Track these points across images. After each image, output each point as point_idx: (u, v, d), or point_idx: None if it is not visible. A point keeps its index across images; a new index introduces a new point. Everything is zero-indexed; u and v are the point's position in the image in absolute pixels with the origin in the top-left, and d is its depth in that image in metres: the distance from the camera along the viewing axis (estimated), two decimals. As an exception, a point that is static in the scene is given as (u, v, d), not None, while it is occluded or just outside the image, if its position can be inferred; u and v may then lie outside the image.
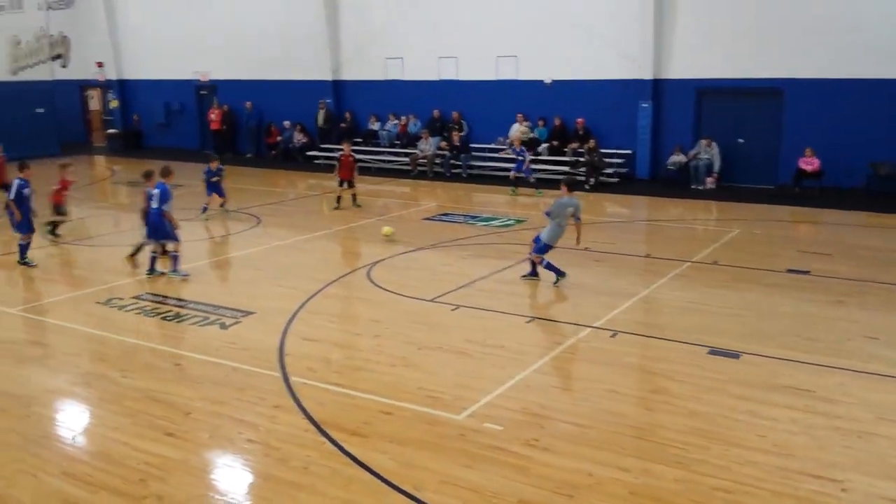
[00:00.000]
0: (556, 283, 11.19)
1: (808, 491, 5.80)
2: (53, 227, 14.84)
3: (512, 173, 19.86)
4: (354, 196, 17.95)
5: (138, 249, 12.56)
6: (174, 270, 11.90)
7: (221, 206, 17.21)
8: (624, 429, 6.87)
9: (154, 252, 12.04)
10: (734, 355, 8.49)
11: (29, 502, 5.73)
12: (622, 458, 6.30)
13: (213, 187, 17.14)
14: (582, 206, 11.64)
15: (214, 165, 17.17)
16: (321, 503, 5.69)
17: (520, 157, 19.56)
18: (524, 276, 11.63)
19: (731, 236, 14.62)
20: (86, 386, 7.94)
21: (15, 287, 11.67)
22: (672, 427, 6.84)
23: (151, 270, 11.96)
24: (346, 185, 17.79)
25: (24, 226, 12.57)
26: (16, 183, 12.55)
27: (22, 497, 5.80)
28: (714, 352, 8.60)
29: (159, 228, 11.82)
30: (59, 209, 14.90)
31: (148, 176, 12.30)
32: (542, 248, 11.32)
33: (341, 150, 18.44)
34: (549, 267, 11.25)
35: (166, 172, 12.02)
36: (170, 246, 12.10)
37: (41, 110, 28.01)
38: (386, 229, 14.43)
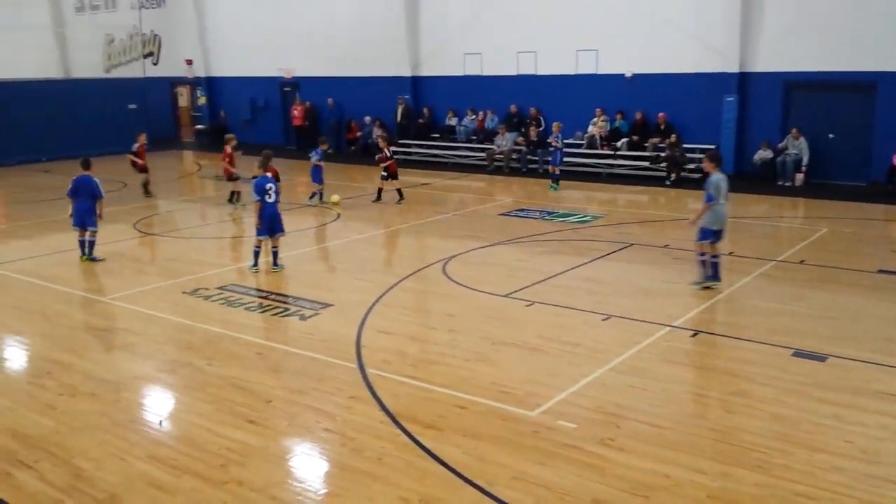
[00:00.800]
0: (699, 284, 10.63)
1: (895, 500, 5.58)
2: (232, 196, 16.80)
3: (552, 167, 19.75)
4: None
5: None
6: (276, 264, 12.10)
7: (313, 195, 17.79)
8: (703, 431, 6.72)
9: (257, 247, 12.09)
10: (820, 358, 8.20)
11: (116, 484, 5.98)
12: (700, 461, 6.17)
13: (317, 172, 17.60)
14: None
15: (325, 147, 17.90)
16: (395, 494, 5.75)
17: (556, 148, 19.56)
18: (697, 283, 10.80)
19: (819, 235, 14.10)
20: (172, 373, 8.24)
21: (107, 276, 12.18)
22: (753, 430, 6.66)
23: (255, 265, 12.07)
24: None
25: (94, 221, 12.76)
26: (94, 180, 12.73)
27: (110, 479, 6.06)
28: (799, 354, 8.32)
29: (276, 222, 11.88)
30: (230, 177, 16.82)
31: (265, 161, 12.16)
32: (705, 233, 10.64)
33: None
34: (713, 265, 10.66)
35: (265, 161, 12.08)
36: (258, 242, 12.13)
37: (133, 106, 29.10)
38: (334, 197, 16.54)
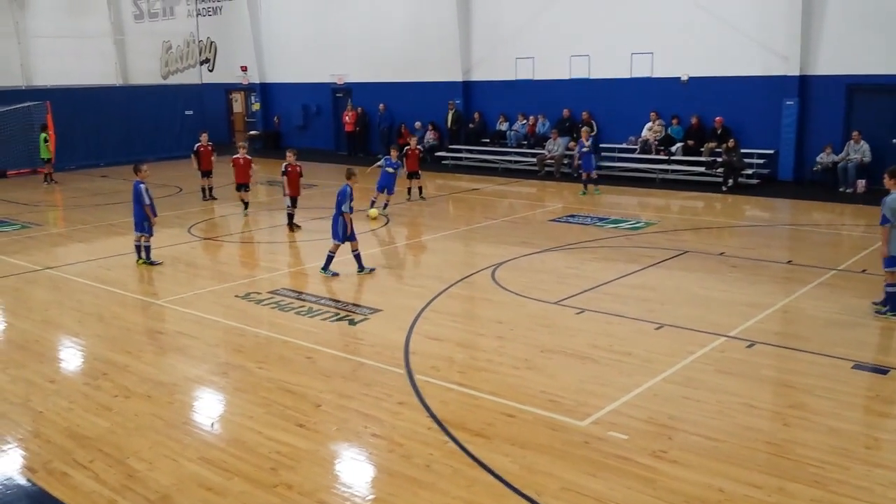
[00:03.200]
0: (883, 312, 9.64)
1: (965, 522, 5.34)
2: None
3: (585, 172, 19.51)
4: (291, 217, 15.93)
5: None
6: (361, 268, 12.20)
7: (385, 205, 17.17)
8: (758, 444, 6.53)
9: (331, 252, 12.16)
10: (882, 371, 7.92)
11: (168, 485, 6.07)
12: (755, 475, 6.00)
13: (386, 181, 16.88)
14: None
15: (395, 155, 17.34)
16: (442, 502, 5.72)
17: (585, 151, 19.44)
18: (876, 304, 9.87)
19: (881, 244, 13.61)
20: (224, 376, 8.35)
21: (162, 279, 12.42)
22: (810, 444, 6.45)
23: (325, 268, 12.15)
24: (291, 204, 15.78)
25: (145, 227, 12.84)
26: (140, 186, 12.65)
27: (162, 480, 6.15)
28: (859, 366, 8.05)
29: (334, 228, 12.00)
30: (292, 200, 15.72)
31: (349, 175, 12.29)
32: (889, 261, 9.49)
33: (287, 161, 15.87)
34: (891, 296, 9.60)
35: (350, 174, 12.23)
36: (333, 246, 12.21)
37: (190, 112, 29.74)
38: (372, 211, 15.60)
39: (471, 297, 11.37)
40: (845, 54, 19.04)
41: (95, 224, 17.04)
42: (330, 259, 12.21)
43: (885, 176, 9.85)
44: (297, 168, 15.71)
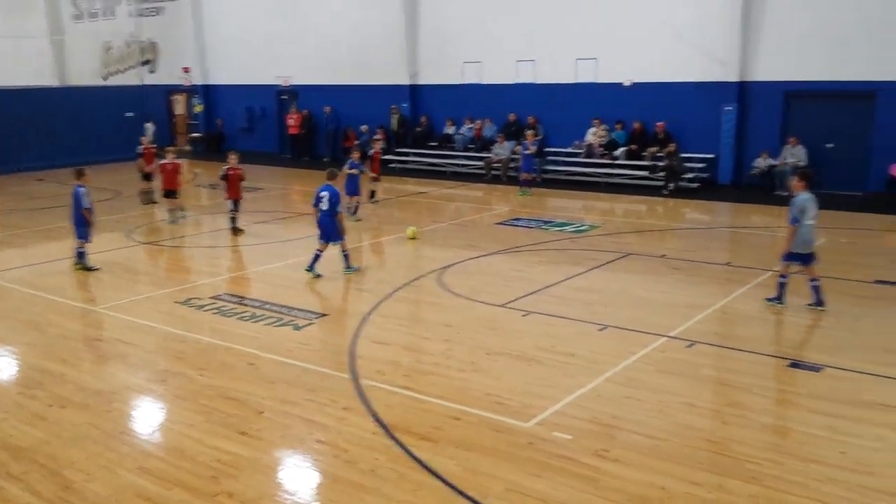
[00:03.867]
0: (773, 301, 10.32)
1: (893, 514, 5.52)
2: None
3: (522, 173, 20.16)
4: (234, 219, 15.60)
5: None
6: (348, 267, 12.27)
7: (355, 209, 16.90)
8: (698, 442, 6.66)
9: (318, 251, 12.20)
10: (816, 368, 8.15)
11: (106, 496, 5.92)
12: (695, 472, 6.12)
13: (352, 183, 16.63)
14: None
15: (357, 156, 17.08)
16: (387, 507, 5.70)
17: (526, 153, 20.08)
18: (768, 299, 10.48)
19: (816, 245, 14.02)
20: (163, 383, 8.18)
21: (99, 286, 12.12)
22: (748, 442, 6.61)
23: (311, 268, 12.16)
24: (233, 207, 15.52)
25: (84, 232, 12.58)
26: (80, 191, 12.40)
27: (100, 491, 5.99)
28: (795, 364, 8.27)
29: (328, 230, 12.07)
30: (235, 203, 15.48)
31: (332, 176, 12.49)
32: (792, 256, 10.22)
33: (228, 164, 15.59)
34: (816, 291, 10.15)
35: (332, 175, 12.41)
36: (340, 245, 12.30)
37: (130, 114, 29.11)
38: (410, 230, 14.65)
39: (417, 300, 11.36)
40: (782, 61, 19.59)
41: (31, 229, 16.55)
42: (346, 257, 12.30)
43: (795, 178, 10.47)
44: (239, 171, 15.49)
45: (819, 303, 10.11)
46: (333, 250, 12.26)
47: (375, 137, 22.24)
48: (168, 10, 32.82)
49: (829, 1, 18.72)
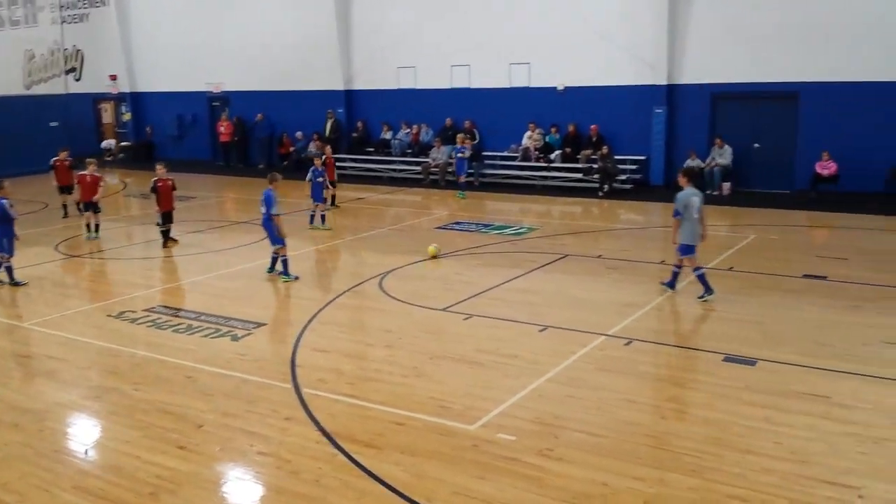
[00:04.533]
0: (701, 297, 10.58)
1: (824, 498, 5.71)
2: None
3: (461, 176, 20.67)
4: (168, 233, 15.17)
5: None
6: (285, 274, 12.26)
7: (312, 215, 16.80)
8: (639, 438, 6.78)
9: (274, 254, 12.47)
10: (750, 362, 8.38)
11: (40, 517, 5.72)
12: (637, 468, 6.22)
13: (317, 191, 16.67)
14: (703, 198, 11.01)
15: (319, 163, 17.03)
16: (332, 516, 5.64)
17: (458, 157, 20.62)
18: (662, 283, 11.29)
19: (746, 242, 14.48)
20: (97, 399, 7.94)
21: (27, 301, 11.71)
22: (686, 435, 6.76)
23: (271, 269, 12.56)
24: (164, 220, 14.99)
25: (5, 245, 12.25)
26: (2, 202, 12.00)
27: (33, 512, 5.79)
28: (729, 359, 8.49)
29: (269, 233, 12.34)
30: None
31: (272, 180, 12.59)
32: (682, 248, 10.82)
33: (157, 175, 15.09)
34: (702, 279, 10.67)
35: (272, 179, 12.50)
36: (275, 250, 12.45)
37: (55, 124, 28.19)
38: (431, 248, 13.66)
39: (358, 306, 11.29)
40: (709, 64, 20.13)
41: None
42: (285, 263, 12.28)
43: (679, 174, 11.09)
44: (169, 182, 15.06)
45: (709, 290, 10.59)
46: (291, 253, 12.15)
47: (320, 143, 22.09)
48: (93, 17, 31.95)
49: (750, 4, 19.33)
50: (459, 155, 20.70)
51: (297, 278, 12.31)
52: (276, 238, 12.26)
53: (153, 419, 7.34)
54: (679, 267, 11.00)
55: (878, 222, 16.03)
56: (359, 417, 7.30)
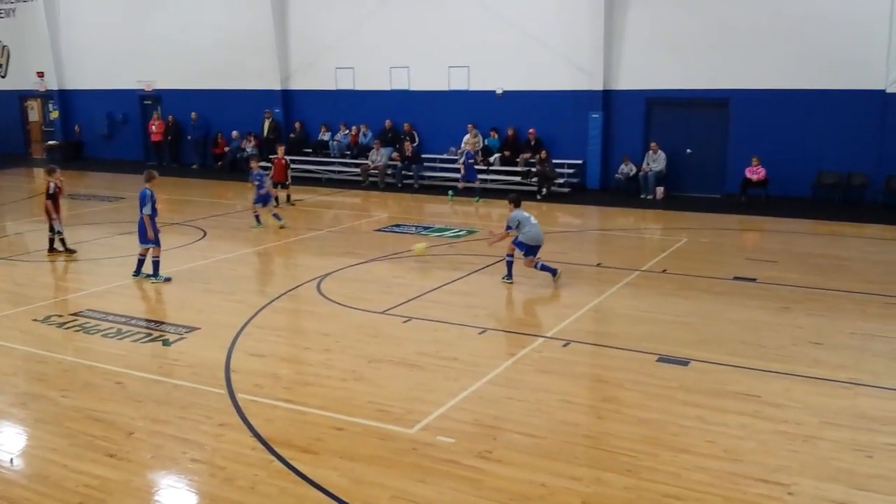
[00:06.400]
0: (555, 277, 11.86)
1: (756, 495, 5.85)
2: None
3: (462, 183, 20.39)
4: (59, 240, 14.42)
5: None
6: (154, 275, 12.17)
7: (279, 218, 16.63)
8: (576, 438, 6.85)
9: (141, 255, 12.38)
10: (683, 362, 8.55)
11: (-42, 531, 5.47)
12: (574, 468, 6.28)
13: (258, 193, 16.59)
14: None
15: (255, 166, 16.84)
16: (268, 523, 5.53)
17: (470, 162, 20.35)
18: (503, 278, 12.04)
19: (679, 245, 14.80)
20: (23, 407, 7.64)
21: (-52, 304, 11.21)
22: (622, 435, 6.85)
23: (137, 272, 12.39)
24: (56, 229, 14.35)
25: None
26: None
27: (-49, 526, 5.53)
28: (663, 359, 8.65)
29: (140, 232, 12.17)
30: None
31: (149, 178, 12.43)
32: (527, 249, 11.83)
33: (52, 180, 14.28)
34: (544, 268, 11.85)
35: (149, 177, 12.36)
36: (142, 251, 12.35)
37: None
38: (418, 247, 13.51)
39: (296, 310, 11.14)
40: (643, 71, 20.54)
41: None
42: (156, 265, 12.13)
43: (508, 202, 12.27)
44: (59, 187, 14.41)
45: (554, 272, 11.89)
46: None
47: (232, 145, 21.69)
48: (20, 12, 30.84)
49: (684, 13, 19.82)
50: (470, 161, 20.74)
51: (168, 279, 12.15)
52: (146, 238, 12.09)
53: (82, 426, 7.10)
54: (511, 256, 11.94)
55: (806, 226, 16.58)
56: (296, 422, 7.19)
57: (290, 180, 19.63)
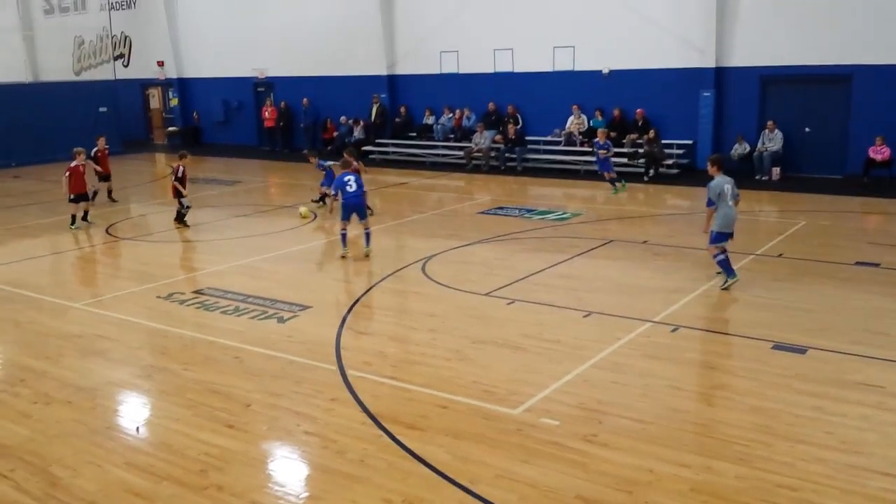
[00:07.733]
0: (723, 285, 10.41)
1: (878, 489, 5.58)
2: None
3: (608, 173, 18.67)
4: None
5: None
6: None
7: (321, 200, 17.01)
8: (685, 425, 6.71)
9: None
10: (800, 350, 8.22)
11: (94, 492, 5.86)
12: (683, 455, 6.15)
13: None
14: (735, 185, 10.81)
15: (314, 161, 17.32)
16: (377, 496, 5.68)
17: (602, 152, 18.53)
18: (718, 273, 10.78)
19: (796, 228, 14.18)
20: (148, 378, 8.11)
21: (79, 282, 11.99)
22: (734, 423, 6.65)
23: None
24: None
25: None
26: None
27: (87, 486, 5.93)
28: (779, 347, 8.33)
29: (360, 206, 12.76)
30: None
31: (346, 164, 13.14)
32: (714, 237, 10.52)
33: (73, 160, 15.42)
34: (723, 263, 10.50)
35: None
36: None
37: (104, 109, 28.64)
38: (302, 209, 15.70)
39: (402, 290, 11.33)
40: (758, 47, 19.69)
41: (8, 226, 16.30)
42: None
43: (708, 163, 10.90)
44: (81, 167, 15.58)
45: (730, 274, 10.47)
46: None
47: (341, 130, 21.81)
48: (140, 4, 32.47)
49: (803, -14, 18.87)
50: (602, 152, 18.59)
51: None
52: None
53: (202, 398, 7.47)
54: (724, 253, 10.61)
55: (935, 209, 15.58)
56: (403, 400, 7.34)
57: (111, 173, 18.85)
